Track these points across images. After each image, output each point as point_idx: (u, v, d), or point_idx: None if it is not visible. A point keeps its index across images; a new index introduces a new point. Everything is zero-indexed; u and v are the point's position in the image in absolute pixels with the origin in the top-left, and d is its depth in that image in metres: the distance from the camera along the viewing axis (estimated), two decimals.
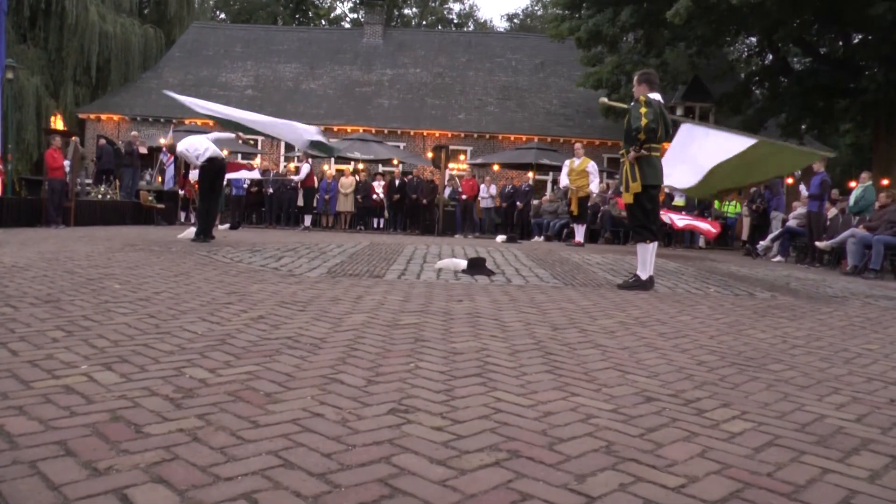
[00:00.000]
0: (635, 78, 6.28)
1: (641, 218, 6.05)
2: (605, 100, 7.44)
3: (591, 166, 12.42)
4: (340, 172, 19.83)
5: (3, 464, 1.71)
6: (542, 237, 16.34)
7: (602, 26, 20.16)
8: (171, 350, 2.96)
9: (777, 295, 6.20)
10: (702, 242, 16.71)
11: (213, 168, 9.33)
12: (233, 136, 10.46)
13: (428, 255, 8.06)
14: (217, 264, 6.49)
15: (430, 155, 20.60)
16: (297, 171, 18.10)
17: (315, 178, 18.31)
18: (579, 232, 12.95)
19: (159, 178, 19.06)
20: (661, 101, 6.12)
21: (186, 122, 21.70)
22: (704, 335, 3.94)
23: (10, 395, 2.25)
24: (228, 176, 12.97)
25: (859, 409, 2.57)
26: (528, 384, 2.67)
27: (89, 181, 16.82)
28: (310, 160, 18.44)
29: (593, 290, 5.81)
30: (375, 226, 19.19)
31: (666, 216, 12.10)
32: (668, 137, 6.15)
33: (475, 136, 24.87)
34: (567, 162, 12.85)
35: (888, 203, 10.36)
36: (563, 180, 12.71)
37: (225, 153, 11.74)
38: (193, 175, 12.11)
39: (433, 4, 48.06)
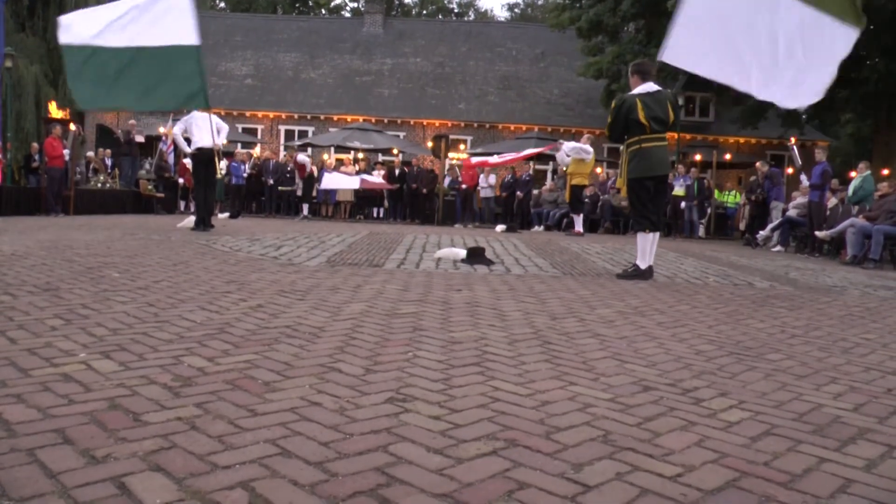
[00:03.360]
0: (629, 70, 6.25)
1: (640, 208, 6.04)
2: None
3: (589, 147, 12.31)
4: (340, 162, 19.79)
5: (1, 452, 1.71)
6: (542, 227, 16.34)
7: (603, 16, 20.11)
8: (169, 339, 2.96)
9: (776, 285, 6.20)
10: (701, 232, 16.71)
11: (202, 157, 9.33)
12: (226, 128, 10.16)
13: (427, 244, 8.06)
14: (216, 253, 6.48)
15: (430, 144, 20.56)
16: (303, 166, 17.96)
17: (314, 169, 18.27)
18: (578, 221, 12.96)
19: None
20: (659, 88, 6.06)
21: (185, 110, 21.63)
22: (703, 325, 3.94)
23: (8, 383, 2.25)
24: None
25: (857, 399, 2.57)
26: (527, 373, 2.67)
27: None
28: (309, 150, 18.42)
29: (592, 280, 5.81)
30: (375, 215, 19.17)
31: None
32: (669, 126, 6.05)
33: (475, 125, 24.83)
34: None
35: (889, 192, 10.35)
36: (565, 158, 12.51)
37: (225, 142, 11.54)
38: (188, 162, 12.09)
39: None
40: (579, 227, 12.89)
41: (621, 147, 6.18)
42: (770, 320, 4.23)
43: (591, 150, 12.39)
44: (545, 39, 27.32)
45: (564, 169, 13.08)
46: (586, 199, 15.06)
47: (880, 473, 1.86)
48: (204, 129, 9.26)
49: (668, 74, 21.37)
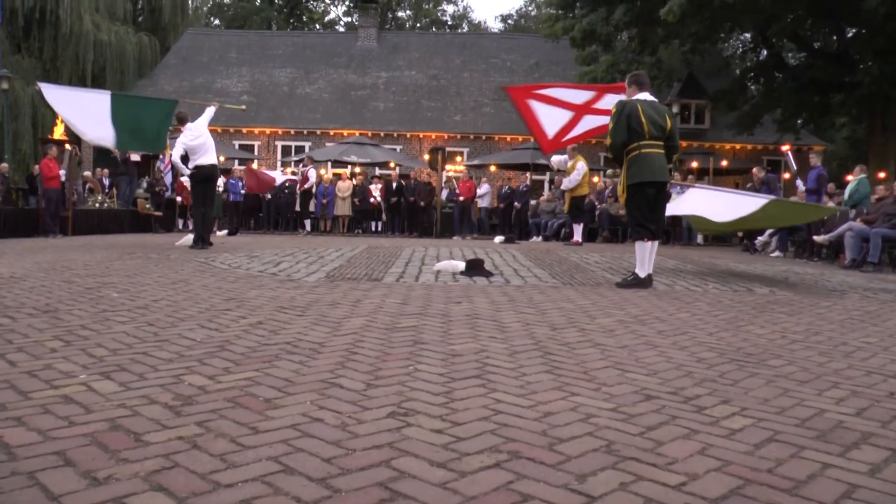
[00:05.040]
0: (626, 81, 6.35)
1: (638, 216, 6.04)
2: None
3: (580, 165, 12.48)
4: (338, 176, 19.83)
5: (1, 475, 1.70)
6: (541, 237, 16.35)
7: (596, 25, 20.18)
8: (169, 358, 2.96)
9: (776, 290, 6.20)
10: (699, 239, 16.71)
11: (201, 174, 9.36)
12: (214, 107, 10.17)
13: (426, 257, 8.06)
14: (215, 271, 6.48)
15: (426, 157, 20.60)
16: (305, 177, 17.98)
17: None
18: (577, 231, 12.97)
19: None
20: (655, 99, 6.14)
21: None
22: (703, 332, 3.94)
23: (8, 406, 2.25)
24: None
25: (859, 403, 2.57)
26: (528, 384, 2.67)
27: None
28: (314, 165, 18.50)
29: (592, 290, 5.82)
30: (373, 229, 19.18)
31: None
32: (664, 135, 6.09)
33: (471, 137, 24.88)
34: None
35: (886, 195, 10.36)
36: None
37: (221, 159, 11.65)
38: (186, 180, 12.11)
39: (427, 6, 48.07)
40: (578, 236, 12.90)
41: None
42: (770, 326, 4.23)
43: (583, 167, 12.54)
44: (539, 50, 27.43)
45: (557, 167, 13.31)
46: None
47: (885, 478, 1.85)
48: (206, 147, 9.31)
49: (663, 82, 21.53)
